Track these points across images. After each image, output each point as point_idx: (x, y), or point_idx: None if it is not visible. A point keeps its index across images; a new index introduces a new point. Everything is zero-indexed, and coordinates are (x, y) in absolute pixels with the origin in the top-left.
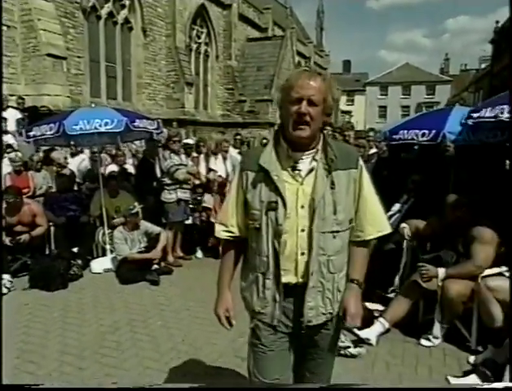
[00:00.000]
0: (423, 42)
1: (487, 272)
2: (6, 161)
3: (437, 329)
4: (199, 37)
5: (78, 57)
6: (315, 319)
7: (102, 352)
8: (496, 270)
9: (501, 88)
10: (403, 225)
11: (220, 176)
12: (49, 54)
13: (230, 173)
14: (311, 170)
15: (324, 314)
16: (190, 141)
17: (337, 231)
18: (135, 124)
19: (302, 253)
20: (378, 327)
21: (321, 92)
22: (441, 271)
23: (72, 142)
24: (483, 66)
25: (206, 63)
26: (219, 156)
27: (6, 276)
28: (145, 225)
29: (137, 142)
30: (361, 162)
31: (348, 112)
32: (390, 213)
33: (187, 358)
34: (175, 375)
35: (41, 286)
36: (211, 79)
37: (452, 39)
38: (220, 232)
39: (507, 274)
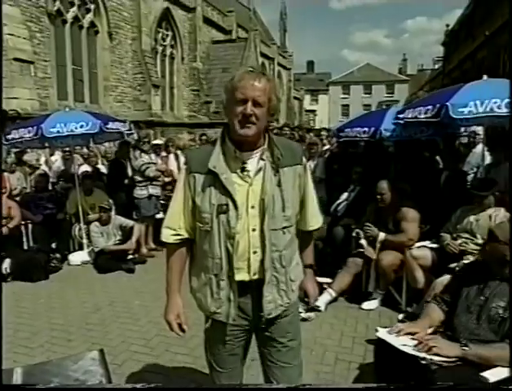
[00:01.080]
0: (384, 42)
1: (414, 245)
2: None
3: (375, 295)
4: (164, 40)
5: (45, 61)
6: (274, 311)
7: (87, 327)
8: (419, 243)
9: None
10: (362, 241)
11: None
12: (16, 59)
13: None
14: (259, 170)
15: (281, 305)
16: (159, 141)
17: (287, 227)
18: (108, 126)
19: (255, 252)
20: (326, 296)
21: (266, 93)
22: (381, 234)
23: (46, 144)
24: (436, 66)
25: (172, 66)
26: None
27: None
28: (119, 219)
29: (106, 144)
30: (304, 158)
31: (312, 111)
32: (339, 201)
33: (165, 329)
34: (155, 344)
35: (24, 278)
36: (177, 81)
37: (411, 39)
38: (168, 236)
39: (429, 246)
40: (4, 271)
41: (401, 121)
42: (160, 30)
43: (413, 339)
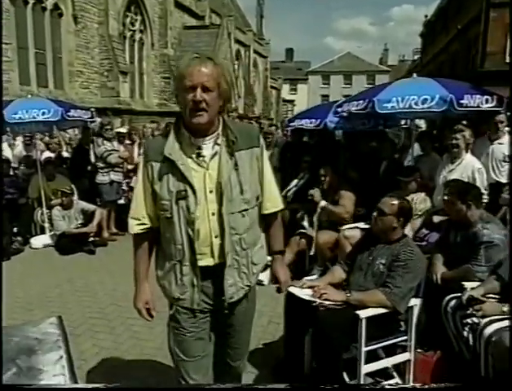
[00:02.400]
0: (369, 30)
1: (346, 227)
2: None
3: (315, 271)
4: (133, 25)
5: (6, 44)
6: (236, 295)
7: (47, 300)
8: (352, 225)
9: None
10: (312, 191)
11: None
12: None
13: None
14: (214, 154)
15: (242, 288)
16: (122, 130)
17: (246, 209)
18: (70, 113)
19: (216, 236)
20: (269, 271)
21: (214, 77)
22: (322, 202)
23: (8, 129)
24: (416, 57)
25: (141, 52)
26: None
27: None
28: (81, 203)
29: (70, 131)
30: (262, 140)
31: (291, 101)
32: (288, 187)
33: (122, 304)
34: (109, 311)
35: None
36: (147, 67)
37: (396, 28)
38: (134, 227)
39: (362, 226)
40: None
41: (343, 114)
42: (128, 14)
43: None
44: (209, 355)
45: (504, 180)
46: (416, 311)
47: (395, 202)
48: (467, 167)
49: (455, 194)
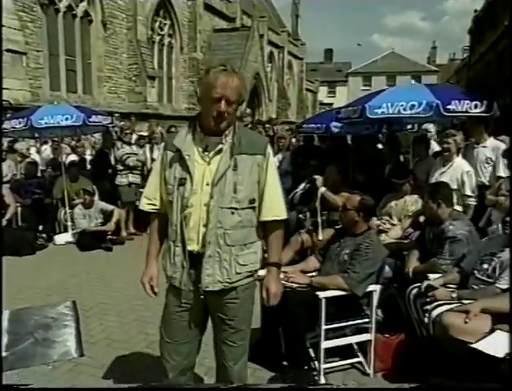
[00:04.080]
0: (420, 26)
1: None
2: None
3: None
4: (162, 29)
5: (37, 51)
6: (211, 286)
7: (64, 287)
8: None
9: (475, 79)
10: (316, 176)
11: None
12: (8, 50)
13: None
14: (218, 152)
15: (220, 282)
16: (144, 133)
17: (236, 208)
18: (91, 119)
19: (204, 225)
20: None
21: (237, 91)
22: (322, 188)
23: (36, 135)
24: (465, 55)
25: (170, 56)
26: (161, 146)
27: None
28: (101, 204)
29: (96, 135)
30: (270, 150)
31: (329, 105)
32: (296, 190)
33: (132, 293)
34: (120, 301)
35: (12, 253)
36: (175, 72)
37: (451, 22)
38: (144, 205)
39: None
40: None
41: (343, 121)
42: (157, 19)
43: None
44: (193, 342)
45: (486, 181)
46: (375, 296)
47: (357, 198)
48: (457, 170)
49: (427, 194)
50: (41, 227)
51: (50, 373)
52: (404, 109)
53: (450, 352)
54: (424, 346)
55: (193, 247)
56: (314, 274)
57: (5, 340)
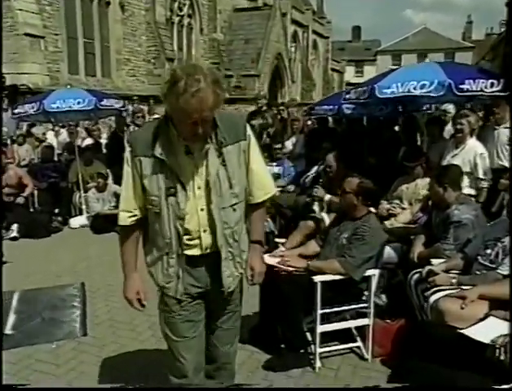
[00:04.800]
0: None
1: None
2: None
3: None
4: (181, 10)
5: (55, 34)
6: (233, 284)
7: (75, 270)
8: None
9: None
10: (315, 190)
11: None
12: (26, 34)
13: None
14: (203, 152)
15: (237, 276)
16: (158, 115)
17: (236, 203)
18: (103, 103)
19: (205, 230)
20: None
21: (213, 105)
22: (327, 196)
23: (52, 119)
24: (502, 30)
25: (190, 37)
26: None
27: None
28: (114, 187)
29: (113, 118)
30: (249, 131)
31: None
32: (308, 173)
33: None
34: None
35: (28, 235)
36: (195, 53)
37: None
38: (126, 219)
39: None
40: (12, 234)
41: (352, 101)
42: None
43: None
44: (201, 336)
45: (507, 164)
46: (374, 281)
47: (355, 181)
48: (469, 152)
49: (433, 177)
50: (56, 210)
51: (54, 351)
52: (415, 88)
53: (440, 337)
54: (418, 331)
55: (194, 252)
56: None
57: (12, 319)
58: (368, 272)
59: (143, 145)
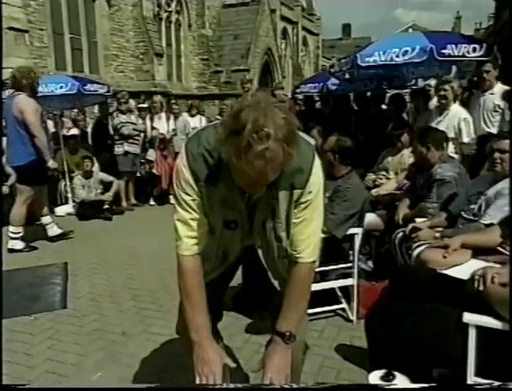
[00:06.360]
0: None
1: None
2: None
3: None
4: (169, 6)
5: (41, 30)
6: None
7: (59, 253)
8: None
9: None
10: None
11: (162, 134)
12: (10, 28)
13: (170, 131)
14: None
15: None
16: (144, 105)
17: (285, 256)
18: (86, 87)
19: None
20: None
21: (279, 168)
22: None
23: None
24: (490, 23)
25: (178, 33)
26: (162, 115)
27: None
28: (100, 174)
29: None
30: (312, 180)
31: None
32: None
33: (124, 255)
34: (112, 262)
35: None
36: (184, 49)
37: None
38: (191, 247)
39: None
40: None
41: (339, 75)
42: None
43: None
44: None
45: (494, 130)
46: (358, 240)
47: (333, 139)
48: (453, 118)
49: (416, 138)
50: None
51: (32, 323)
52: (397, 56)
53: (420, 279)
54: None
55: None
56: None
57: None
58: (351, 230)
59: (205, 172)
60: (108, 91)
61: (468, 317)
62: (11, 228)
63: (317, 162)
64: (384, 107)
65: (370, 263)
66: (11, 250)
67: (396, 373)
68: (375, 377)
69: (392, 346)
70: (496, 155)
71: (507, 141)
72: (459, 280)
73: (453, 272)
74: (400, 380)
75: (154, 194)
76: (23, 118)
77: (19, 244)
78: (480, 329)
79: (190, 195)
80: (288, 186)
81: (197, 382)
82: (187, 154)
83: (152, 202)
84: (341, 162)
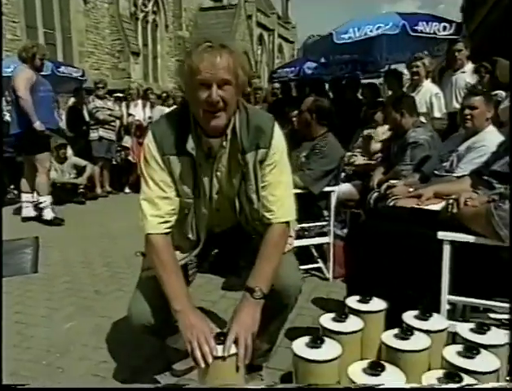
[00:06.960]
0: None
1: None
2: None
3: None
4: (145, 6)
5: (14, 22)
6: None
7: (29, 232)
8: None
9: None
10: None
11: (138, 120)
12: None
13: (147, 119)
14: (220, 157)
15: None
16: (120, 94)
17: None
18: (60, 69)
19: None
20: None
21: (231, 68)
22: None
23: (6, 92)
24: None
25: (155, 34)
26: (139, 102)
27: None
28: (74, 159)
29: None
30: (276, 139)
31: None
32: None
33: (98, 233)
34: (88, 241)
35: None
36: (161, 50)
37: (448, 9)
38: (157, 226)
39: None
40: None
41: (314, 57)
42: None
43: None
44: None
45: None
46: (333, 198)
47: (310, 99)
48: (425, 93)
49: (390, 105)
50: (12, 186)
51: None
52: (371, 31)
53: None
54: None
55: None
56: None
57: None
58: (328, 188)
59: (170, 142)
60: (83, 75)
61: (442, 234)
62: (41, 199)
63: (278, 128)
64: (360, 96)
65: (345, 231)
66: (41, 220)
67: (375, 298)
68: (326, 319)
69: (368, 268)
70: (467, 111)
71: (477, 97)
72: (432, 211)
73: (426, 207)
74: (377, 303)
75: (130, 182)
76: (13, 85)
77: (50, 214)
78: (454, 246)
79: (156, 171)
80: (254, 147)
81: (189, 349)
82: (153, 131)
83: (127, 190)
84: (318, 122)
